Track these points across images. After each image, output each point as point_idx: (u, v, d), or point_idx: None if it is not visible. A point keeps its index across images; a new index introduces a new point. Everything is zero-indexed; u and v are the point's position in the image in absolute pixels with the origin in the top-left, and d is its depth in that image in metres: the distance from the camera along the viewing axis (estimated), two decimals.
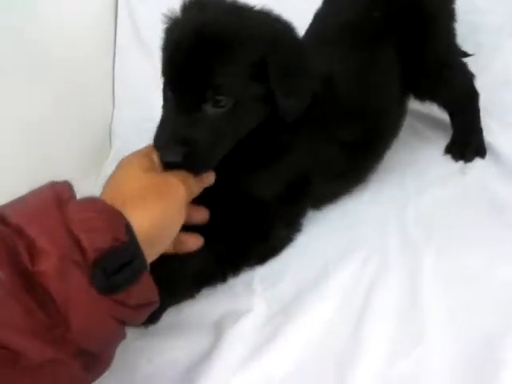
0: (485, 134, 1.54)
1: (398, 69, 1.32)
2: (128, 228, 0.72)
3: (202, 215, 1.05)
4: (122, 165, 0.89)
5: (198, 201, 1.06)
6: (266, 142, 1.13)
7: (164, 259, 1.03)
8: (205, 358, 0.94)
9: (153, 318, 0.99)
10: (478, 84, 1.56)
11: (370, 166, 1.35)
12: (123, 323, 0.73)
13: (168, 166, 0.93)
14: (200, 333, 1.00)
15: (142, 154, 0.91)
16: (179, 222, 0.87)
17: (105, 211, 0.72)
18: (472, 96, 1.53)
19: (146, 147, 0.94)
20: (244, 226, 1.14)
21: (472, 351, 0.92)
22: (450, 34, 1.45)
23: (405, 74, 1.32)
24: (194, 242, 1.02)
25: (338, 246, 1.17)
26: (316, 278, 1.09)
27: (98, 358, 0.71)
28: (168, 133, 0.97)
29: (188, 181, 0.91)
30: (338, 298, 1.04)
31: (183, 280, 1.04)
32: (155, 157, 0.91)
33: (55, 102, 1.36)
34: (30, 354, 0.62)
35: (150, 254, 0.78)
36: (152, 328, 0.99)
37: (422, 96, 1.42)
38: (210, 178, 1.01)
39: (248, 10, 1.05)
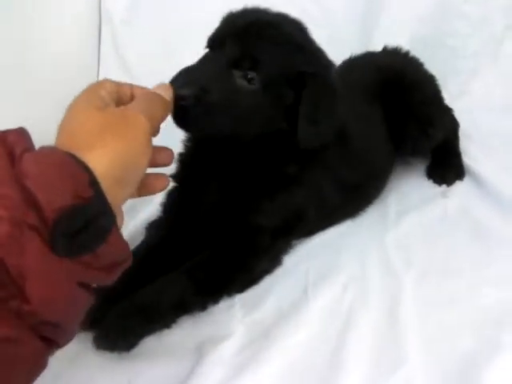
0: (464, 157, 1.57)
1: (387, 128, 1.43)
2: (93, 181, 0.64)
3: (166, 156, 0.90)
4: (71, 107, 0.77)
5: (193, 222, 1.12)
6: (273, 169, 1.15)
7: (142, 287, 1.04)
8: (185, 381, 0.93)
9: (129, 345, 0.98)
10: (457, 107, 1.61)
11: (362, 207, 1.40)
12: (90, 287, 0.67)
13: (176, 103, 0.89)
14: (181, 356, 0.98)
15: (89, 91, 0.79)
16: (145, 159, 0.76)
17: (65, 163, 0.63)
18: (454, 133, 1.60)
19: (91, 84, 0.81)
20: (229, 255, 1.13)
21: (452, 375, 0.92)
22: (431, 96, 1.53)
23: (392, 134, 1.43)
24: (161, 184, 0.90)
25: (319, 271, 1.17)
26: (296, 304, 1.08)
27: (62, 329, 0.64)
28: (191, 75, 0.97)
29: (148, 113, 0.78)
30: (318, 322, 1.04)
31: (162, 308, 1.03)
32: (103, 92, 0.79)
33: (40, 124, 1.36)
34: None
35: (118, 199, 0.70)
36: (134, 350, 0.98)
37: (406, 152, 1.51)
38: (168, 108, 0.87)
39: (306, 28, 1.13)
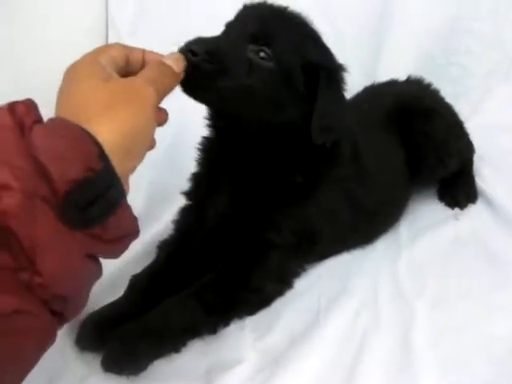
0: (477, 179, 1.57)
1: (404, 155, 1.43)
2: (102, 154, 0.64)
3: (161, 117, 0.86)
4: (73, 77, 0.76)
5: (205, 239, 1.13)
6: (284, 179, 1.14)
7: (152, 307, 1.04)
8: None
9: (137, 369, 0.97)
10: (469, 126, 1.61)
11: (376, 234, 1.39)
12: (98, 260, 0.69)
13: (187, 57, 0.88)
14: (190, 381, 0.98)
15: (88, 62, 0.78)
16: (151, 130, 0.77)
17: (76, 136, 0.64)
18: (469, 159, 1.61)
19: (87, 54, 0.80)
20: (239, 274, 1.13)
21: None
22: (449, 125, 1.52)
23: (409, 161, 1.44)
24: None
25: (330, 296, 1.17)
26: (308, 328, 1.08)
27: (71, 302, 0.65)
28: (205, 39, 0.96)
29: (157, 84, 0.79)
30: (330, 349, 1.03)
31: (171, 332, 1.02)
32: (104, 60, 0.78)
33: None
34: None
35: (127, 168, 0.72)
36: (142, 374, 0.97)
37: (422, 179, 1.51)
38: (177, 79, 0.86)
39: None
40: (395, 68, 1.85)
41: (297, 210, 1.16)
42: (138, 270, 1.16)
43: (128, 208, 0.70)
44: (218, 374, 0.98)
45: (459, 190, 1.53)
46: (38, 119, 0.64)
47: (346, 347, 1.03)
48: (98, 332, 1.02)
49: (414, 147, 1.44)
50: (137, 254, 1.25)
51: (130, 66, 0.82)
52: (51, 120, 0.67)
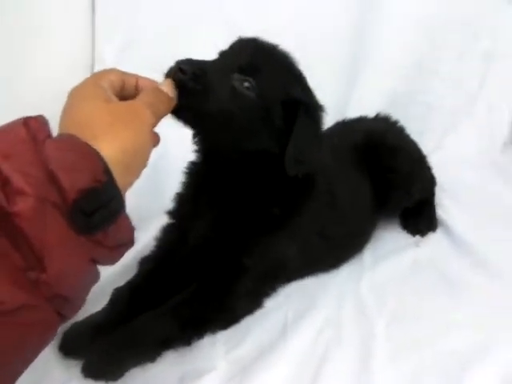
0: (437, 209, 1.65)
1: (371, 188, 1.50)
2: (106, 168, 0.70)
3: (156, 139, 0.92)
4: (76, 98, 0.81)
5: (184, 257, 1.18)
6: (261, 209, 1.20)
7: (133, 318, 1.09)
8: None
9: (115, 375, 1.03)
10: (433, 161, 1.69)
11: (342, 261, 1.45)
12: (98, 264, 0.73)
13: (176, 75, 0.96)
14: None
15: (92, 84, 0.84)
16: (150, 146, 0.83)
17: (84, 151, 0.69)
18: (431, 190, 1.69)
19: (89, 77, 0.87)
20: (211, 296, 1.18)
21: None
22: (413, 159, 1.61)
23: (376, 193, 1.50)
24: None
25: (297, 313, 1.22)
26: (275, 342, 1.13)
27: (70, 302, 0.69)
28: (194, 63, 1.01)
29: (153, 107, 0.85)
30: (295, 360, 1.09)
31: (147, 344, 1.07)
32: (105, 83, 0.84)
33: None
34: (2, 298, 0.60)
35: (126, 183, 0.77)
36: (120, 381, 1.03)
37: (389, 209, 1.58)
38: (171, 104, 0.93)
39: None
40: (365, 105, 1.93)
41: (271, 238, 1.21)
42: (119, 283, 1.20)
43: (127, 218, 0.75)
44: (190, 382, 1.03)
45: (421, 219, 1.60)
46: (49, 134, 0.71)
47: (310, 359, 1.09)
48: (81, 340, 1.07)
49: (381, 180, 1.50)
50: (118, 269, 1.28)
51: (124, 90, 0.88)
52: (60, 135, 0.74)
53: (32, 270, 0.63)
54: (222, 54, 1.14)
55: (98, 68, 1.83)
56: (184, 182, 1.30)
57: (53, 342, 1.07)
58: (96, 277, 0.75)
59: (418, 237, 1.57)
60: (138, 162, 0.80)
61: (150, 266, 1.26)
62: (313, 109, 1.16)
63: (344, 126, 1.69)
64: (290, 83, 1.13)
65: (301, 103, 1.12)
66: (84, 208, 0.66)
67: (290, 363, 1.08)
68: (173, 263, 1.25)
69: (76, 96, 0.82)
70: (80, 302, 0.74)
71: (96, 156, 0.70)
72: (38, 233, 0.63)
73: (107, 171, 0.70)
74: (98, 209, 0.68)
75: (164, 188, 1.49)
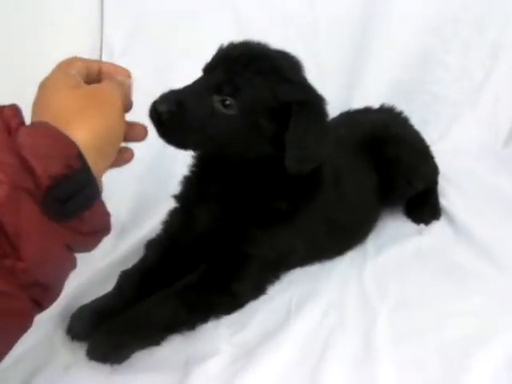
0: (441, 197, 1.66)
1: (375, 177, 1.50)
2: (80, 154, 0.70)
3: (139, 130, 0.94)
4: (48, 86, 0.82)
5: (190, 242, 1.19)
6: (265, 202, 1.21)
7: (137, 302, 1.10)
8: None
9: (120, 358, 1.04)
10: (437, 150, 1.69)
11: (347, 248, 1.46)
12: (74, 251, 0.73)
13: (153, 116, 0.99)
14: (169, 371, 1.04)
15: (60, 71, 0.84)
16: (121, 130, 0.83)
17: (57, 137, 0.69)
18: (435, 179, 1.69)
19: (61, 63, 0.87)
20: (217, 280, 1.19)
21: None
22: (417, 150, 1.61)
23: (380, 183, 1.51)
24: (128, 156, 0.94)
25: (300, 299, 1.24)
26: (279, 326, 1.14)
27: (48, 290, 0.70)
28: (173, 94, 1.04)
29: (121, 87, 0.86)
30: (299, 344, 1.10)
31: (152, 327, 1.08)
32: (73, 71, 0.84)
33: None
34: None
35: (99, 169, 0.77)
36: (125, 363, 1.04)
37: (393, 199, 1.59)
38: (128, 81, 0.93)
39: (301, 67, 1.18)
40: (370, 94, 1.96)
41: (278, 230, 1.23)
42: (126, 267, 1.22)
43: (102, 204, 0.76)
44: (195, 365, 1.04)
45: (425, 207, 1.61)
46: (23, 122, 0.71)
47: (313, 343, 1.10)
48: (88, 323, 1.08)
49: (386, 171, 1.51)
50: (125, 253, 1.33)
51: (89, 76, 0.88)
52: (33, 123, 0.74)
53: (7, 258, 0.63)
54: (205, 70, 1.14)
55: (106, 53, 1.85)
56: (192, 166, 1.30)
57: (59, 325, 1.11)
58: (73, 264, 0.75)
59: (421, 225, 1.58)
60: (110, 146, 0.81)
61: (157, 249, 1.27)
62: (309, 104, 1.13)
63: (349, 117, 1.70)
64: (276, 87, 1.10)
65: (293, 103, 1.10)
66: (58, 194, 0.67)
67: (294, 347, 1.09)
68: (179, 247, 1.25)
69: (46, 86, 0.82)
70: (58, 289, 0.75)
71: (68, 142, 0.70)
72: (12, 219, 0.63)
73: (80, 157, 0.71)
74: (72, 195, 0.68)
75: (171, 173, 1.51)
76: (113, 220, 1.41)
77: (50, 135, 0.69)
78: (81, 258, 1.21)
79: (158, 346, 1.09)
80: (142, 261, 1.25)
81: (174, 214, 1.32)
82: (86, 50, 1.79)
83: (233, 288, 1.19)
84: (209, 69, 1.13)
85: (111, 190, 1.50)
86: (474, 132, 2.07)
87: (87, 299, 1.14)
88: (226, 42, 1.16)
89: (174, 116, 1.01)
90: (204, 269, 1.19)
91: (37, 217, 0.65)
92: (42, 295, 0.70)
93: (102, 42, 1.86)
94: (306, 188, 1.24)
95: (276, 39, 1.79)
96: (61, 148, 0.69)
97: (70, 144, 0.70)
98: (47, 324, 1.11)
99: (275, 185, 1.19)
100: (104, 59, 1.85)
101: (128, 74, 0.93)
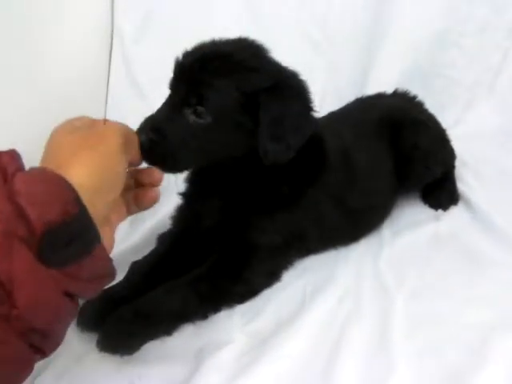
0: (458, 183, 1.63)
1: (392, 162, 1.48)
2: (77, 198, 0.69)
3: (150, 176, 0.99)
4: (51, 136, 0.83)
5: (198, 236, 1.19)
6: (268, 190, 1.20)
7: (146, 295, 1.09)
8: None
9: (131, 349, 1.03)
10: (453, 135, 1.66)
11: (363, 233, 1.44)
12: (75, 298, 0.72)
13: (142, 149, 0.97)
14: (181, 361, 1.03)
15: (66, 123, 0.85)
16: (119, 165, 0.82)
17: (54, 182, 0.69)
18: (452, 164, 1.67)
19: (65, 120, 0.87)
20: (229, 268, 1.18)
21: None
22: (435, 136, 1.59)
23: (397, 169, 1.48)
24: (151, 198, 0.99)
25: (315, 285, 1.22)
26: (293, 314, 1.13)
27: (47, 336, 0.69)
28: (149, 121, 1.04)
29: (121, 129, 0.86)
30: (314, 333, 1.08)
31: (164, 317, 1.08)
32: (77, 123, 0.85)
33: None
34: None
35: (99, 209, 0.75)
36: (136, 353, 1.03)
37: (411, 185, 1.57)
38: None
39: (264, 51, 1.15)
40: (386, 78, 1.94)
41: (284, 215, 1.22)
42: (137, 257, 1.22)
43: (103, 249, 0.74)
44: (207, 354, 1.03)
45: (442, 193, 1.58)
46: (20, 167, 0.71)
47: (328, 331, 1.09)
48: (98, 313, 1.07)
49: (403, 156, 1.48)
50: (136, 244, 1.34)
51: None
52: (32, 168, 0.73)
53: (2, 305, 0.63)
54: (171, 87, 1.12)
55: (116, 45, 1.85)
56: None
57: None
58: (73, 310, 0.74)
59: (439, 211, 1.55)
60: (109, 185, 0.80)
61: (168, 242, 1.27)
62: (278, 88, 1.10)
63: (364, 102, 1.68)
64: (239, 81, 1.07)
65: (259, 92, 1.07)
66: (54, 241, 0.66)
67: (309, 336, 1.08)
68: (189, 240, 1.25)
69: (51, 135, 0.83)
70: (59, 336, 0.74)
71: (66, 186, 0.70)
72: (5, 267, 0.63)
73: (78, 201, 0.70)
74: (70, 240, 0.68)
75: None
76: None
77: (47, 180, 0.69)
78: None
79: (169, 337, 1.08)
80: (153, 253, 1.24)
81: (181, 210, 1.32)
82: (96, 39, 1.82)
83: (244, 276, 1.19)
84: (172, 85, 1.11)
85: None
86: (491, 116, 2.02)
87: None
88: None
89: (155, 143, 1.01)
90: (214, 259, 1.19)
91: (30, 263, 0.65)
92: (41, 342, 0.69)
93: (112, 31, 1.86)
94: (308, 170, 1.23)
95: (288, 23, 1.77)
96: (57, 193, 0.68)
97: (67, 188, 0.70)
98: None
99: (274, 171, 1.17)
100: (114, 48, 1.87)
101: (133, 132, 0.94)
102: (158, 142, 1.01)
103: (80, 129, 0.82)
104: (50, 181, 0.69)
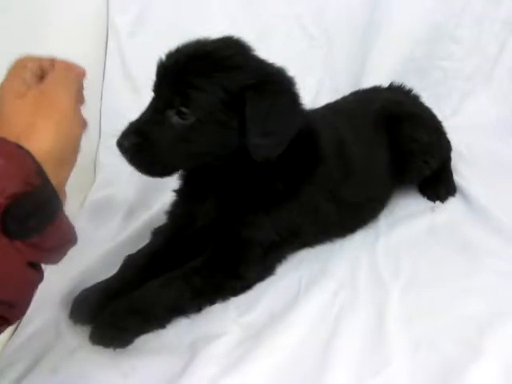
0: (454, 175, 1.63)
1: (388, 155, 1.47)
2: (40, 170, 0.68)
3: None
4: (0, 95, 0.79)
5: (193, 232, 1.18)
6: (262, 186, 1.19)
7: (140, 289, 1.09)
8: (178, 377, 0.97)
9: (125, 342, 1.03)
10: (450, 126, 1.66)
11: (358, 226, 1.43)
12: (39, 266, 0.72)
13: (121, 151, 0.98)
14: (175, 353, 1.03)
15: (12, 76, 0.81)
16: (77, 129, 0.80)
17: (14, 153, 0.68)
18: (448, 156, 1.66)
19: (14, 65, 0.83)
20: (223, 263, 1.17)
21: (434, 377, 0.97)
22: (431, 129, 1.57)
23: (395, 162, 1.47)
24: None
25: (310, 278, 1.22)
26: (287, 306, 1.13)
27: (12, 306, 0.69)
28: (132, 126, 1.04)
29: (66, 83, 0.81)
30: (308, 325, 1.08)
31: (158, 310, 1.07)
32: (27, 73, 0.81)
33: None
34: None
35: (60, 179, 0.75)
36: (130, 346, 1.03)
37: (408, 178, 1.55)
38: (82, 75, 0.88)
39: (248, 49, 1.14)
40: (382, 70, 1.95)
41: (279, 211, 1.21)
42: (131, 251, 1.22)
43: (65, 218, 0.73)
44: (202, 346, 1.03)
45: (439, 184, 1.58)
46: None
47: (322, 325, 1.08)
48: (92, 307, 1.06)
49: (401, 149, 1.48)
50: (130, 237, 1.33)
51: (44, 74, 0.83)
52: None
53: None
54: (154, 89, 1.11)
55: (112, 39, 1.85)
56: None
57: (64, 310, 1.10)
58: (38, 279, 0.74)
59: (437, 202, 1.55)
60: (69, 152, 0.78)
61: (162, 236, 1.27)
62: (263, 85, 1.09)
63: (361, 95, 1.68)
64: (222, 79, 1.06)
65: (244, 90, 1.06)
66: (17, 213, 0.65)
67: (303, 327, 1.08)
68: (184, 236, 1.25)
69: (1, 94, 0.79)
70: (24, 305, 0.73)
71: (28, 158, 0.68)
72: None
73: (41, 172, 0.69)
74: (34, 212, 0.67)
75: None
76: (121, 201, 1.40)
77: (8, 152, 0.67)
78: (89, 239, 1.23)
79: (163, 330, 1.08)
80: (147, 246, 1.24)
81: (176, 205, 1.31)
82: (91, 35, 1.81)
83: (239, 271, 1.18)
84: (155, 86, 1.11)
85: (120, 171, 1.51)
86: (488, 107, 2.02)
87: (90, 282, 1.13)
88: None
89: (140, 147, 1.02)
90: (208, 253, 1.18)
91: None
92: (7, 312, 0.69)
93: (107, 27, 1.86)
94: (302, 164, 1.23)
95: (286, 15, 1.76)
96: (19, 166, 0.67)
97: (29, 159, 0.68)
98: (53, 308, 1.10)
99: (267, 167, 1.16)
100: (110, 44, 1.87)
101: (82, 72, 0.88)
102: (143, 146, 1.02)
103: (30, 88, 0.78)
104: (11, 152, 0.67)
